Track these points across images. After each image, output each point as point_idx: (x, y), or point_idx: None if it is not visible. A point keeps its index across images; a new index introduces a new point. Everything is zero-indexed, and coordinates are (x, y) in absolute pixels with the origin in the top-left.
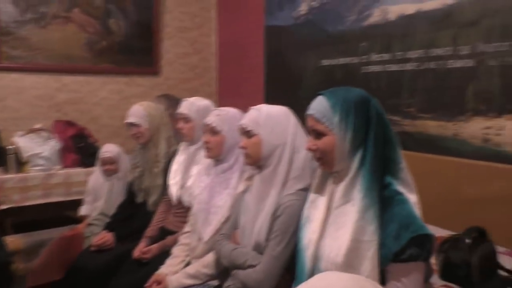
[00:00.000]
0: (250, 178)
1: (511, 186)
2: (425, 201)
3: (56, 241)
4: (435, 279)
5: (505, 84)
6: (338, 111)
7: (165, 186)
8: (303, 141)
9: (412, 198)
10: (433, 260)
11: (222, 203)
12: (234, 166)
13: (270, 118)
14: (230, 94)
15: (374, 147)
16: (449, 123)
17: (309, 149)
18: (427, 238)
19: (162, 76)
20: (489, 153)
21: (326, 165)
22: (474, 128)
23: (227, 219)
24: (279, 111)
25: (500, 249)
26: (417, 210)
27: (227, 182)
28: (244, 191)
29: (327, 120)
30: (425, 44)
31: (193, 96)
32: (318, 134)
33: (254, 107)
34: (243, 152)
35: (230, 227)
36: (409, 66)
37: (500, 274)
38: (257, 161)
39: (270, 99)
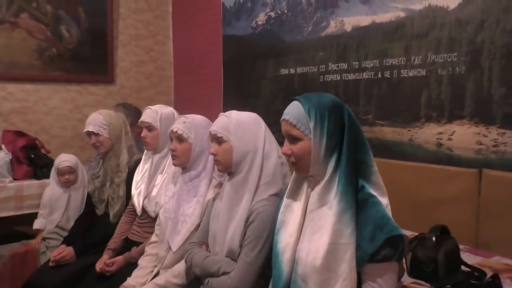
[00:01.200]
0: (219, 185)
1: (464, 187)
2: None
3: (7, 258)
4: (404, 277)
5: (453, 92)
6: (313, 116)
7: (127, 197)
8: (274, 146)
9: (384, 200)
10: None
11: (191, 211)
12: (202, 173)
13: (240, 124)
14: (187, 104)
15: (348, 151)
16: (404, 129)
17: (285, 154)
18: (401, 238)
19: (116, 84)
20: (442, 156)
21: (301, 170)
22: (428, 134)
23: (196, 227)
24: (249, 117)
25: (460, 246)
26: (389, 212)
27: (195, 190)
28: (214, 198)
29: (302, 125)
30: (380, 54)
31: (149, 105)
32: (293, 139)
33: (224, 113)
34: (213, 159)
35: (201, 235)
36: (365, 75)
37: (463, 269)
38: (228, 168)
39: (229, 108)
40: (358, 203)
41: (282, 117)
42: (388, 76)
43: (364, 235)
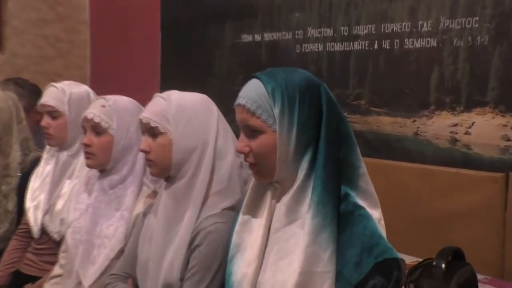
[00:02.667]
0: (152, 194)
1: (485, 197)
2: None
3: None
4: None
5: (473, 71)
6: (279, 100)
7: (19, 212)
8: (230, 142)
9: (376, 213)
10: None
11: (112, 231)
12: (128, 178)
13: (184, 110)
14: (109, 81)
15: (327, 147)
16: (408, 120)
17: (241, 152)
18: (395, 263)
19: (5, 52)
20: (457, 156)
21: (263, 174)
22: (439, 126)
23: (119, 254)
24: (196, 100)
25: (478, 276)
26: (382, 229)
27: (118, 201)
28: (145, 213)
29: (264, 112)
30: (377, 18)
31: (53, 82)
32: (252, 132)
33: (161, 94)
34: (145, 158)
35: (125, 264)
36: (357, 46)
37: None
38: (165, 171)
39: (168, 88)
40: (340, 218)
41: (237, 101)
42: (388, 48)
43: (348, 260)
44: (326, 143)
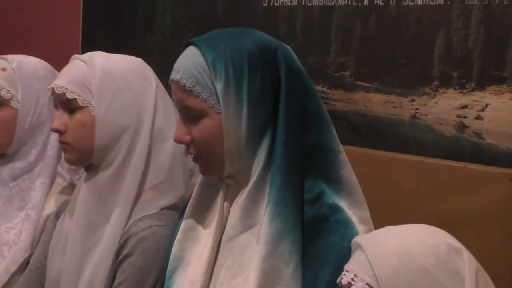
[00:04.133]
0: (69, 188)
1: (500, 197)
2: None
3: None
4: None
5: (489, 37)
6: (221, 72)
7: None
8: (172, 121)
9: (361, 214)
10: None
11: (13, 236)
12: (36, 167)
13: (111, 78)
14: (11, 37)
15: (287, 129)
16: (404, 99)
17: (179, 142)
18: None
19: None
20: (466, 147)
21: (211, 168)
22: (444, 107)
23: (22, 267)
24: (128, 65)
25: None
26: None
27: (23, 197)
28: (59, 213)
29: (204, 89)
30: None
31: None
32: (191, 115)
33: (81, 56)
34: (59, 140)
35: (30, 280)
36: (341, 0)
37: None
38: (85, 157)
39: (92, 48)
40: (311, 222)
41: (170, 76)
42: (381, 4)
43: (320, 277)
44: (286, 124)
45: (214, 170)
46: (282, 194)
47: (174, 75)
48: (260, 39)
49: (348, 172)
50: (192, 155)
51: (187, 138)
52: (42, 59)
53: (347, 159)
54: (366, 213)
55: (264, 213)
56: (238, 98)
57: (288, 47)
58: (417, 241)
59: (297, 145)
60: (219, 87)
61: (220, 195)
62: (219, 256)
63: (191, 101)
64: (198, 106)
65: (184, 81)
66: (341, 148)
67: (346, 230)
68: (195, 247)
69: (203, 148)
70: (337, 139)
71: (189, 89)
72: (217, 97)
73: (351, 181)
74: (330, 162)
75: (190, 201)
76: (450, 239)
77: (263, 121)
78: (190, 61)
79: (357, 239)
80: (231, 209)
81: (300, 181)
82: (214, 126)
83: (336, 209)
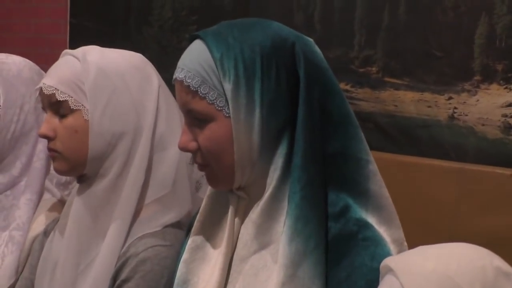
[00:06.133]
0: (59, 206)
1: None
2: None
3: None
4: None
5: None
6: (231, 71)
7: None
8: (176, 126)
9: (394, 234)
10: None
11: None
12: (21, 181)
13: (107, 77)
14: None
15: (307, 135)
16: (441, 97)
17: (184, 150)
18: None
19: None
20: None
21: (219, 179)
22: (487, 106)
23: None
24: (126, 62)
25: None
26: None
27: (6, 216)
28: (47, 232)
29: (211, 89)
30: None
31: None
32: (197, 119)
33: (72, 51)
34: (47, 148)
35: None
36: None
37: None
38: (78, 167)
39: (83, 43)
40: (335, 241)
41: (174, 75)
42: None
43: None
44: (305, 129)
45: (223, 181)
46: (303, 209)
47: (178, 74)
48: (275, 31)
49: (378, 185)
50: (198, 165)
51: (192, 145)
52: (26, 57)
53: (377, 170)
54: (399, 232)
55: (282, 231)
56: (249, 100)
57: (311, 39)
58: (459, 265)
59: (318, 153)
60: (228, 87)
61: (231, 210)
62: (230, 279)
63: (197, 103)
64: (204, 109)
65: (189, 81)
66: (371, 157)
67: (376, 249)
68: (203, 269)
69: (210, 156)
70: (366, 147)
71: (194, 89)
72: (226, 99)
73: (381, 195)
74: (356, 173)
75: (198, 216)
76: (498, 261)
77: (279, 125)
78: (195, 58)
79: (387, 262)
80: (243, 225)
81: (323, 195)
82: (223, 131)
83: (365, 225)
